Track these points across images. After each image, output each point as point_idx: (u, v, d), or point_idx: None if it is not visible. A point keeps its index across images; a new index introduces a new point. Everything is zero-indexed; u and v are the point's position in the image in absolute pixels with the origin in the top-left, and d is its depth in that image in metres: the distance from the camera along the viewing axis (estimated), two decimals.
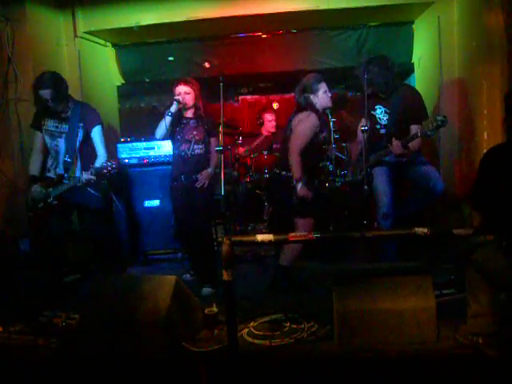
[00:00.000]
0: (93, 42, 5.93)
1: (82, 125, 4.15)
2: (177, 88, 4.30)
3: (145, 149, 5.52)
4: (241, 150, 6.16)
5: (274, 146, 5.82)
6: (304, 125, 3.99)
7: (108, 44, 6.30)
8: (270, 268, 4.76)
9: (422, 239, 2.52)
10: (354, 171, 4.59)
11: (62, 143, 4.16)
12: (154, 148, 5.51)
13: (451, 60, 5.09)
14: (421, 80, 5.89)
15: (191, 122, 4.37)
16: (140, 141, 5.56)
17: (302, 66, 6.18)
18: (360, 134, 4.31)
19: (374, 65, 4.15)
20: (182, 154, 4.33)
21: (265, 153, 5.67)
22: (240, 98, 7.72)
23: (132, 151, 5.53)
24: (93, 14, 5.53)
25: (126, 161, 5.50)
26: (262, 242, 2.62)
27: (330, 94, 4.10)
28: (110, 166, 3.89)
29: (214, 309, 3.25)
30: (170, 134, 4.35)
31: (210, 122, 4.42)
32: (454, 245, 4.06)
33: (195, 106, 4.36)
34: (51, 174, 4.21)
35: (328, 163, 5.71)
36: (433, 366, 2.62)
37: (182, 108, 4.31)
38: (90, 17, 5.54)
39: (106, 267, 4.37)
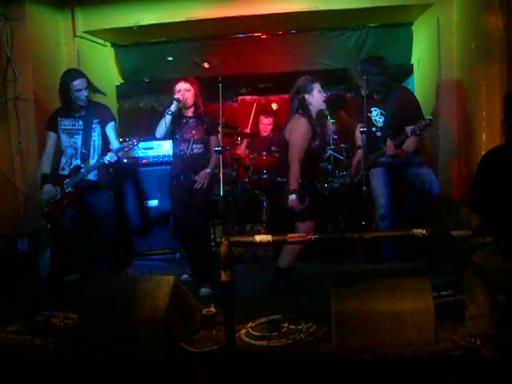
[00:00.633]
0: (92, 41, 5.93)
1: (97, 121, 4.27)
2: (177, 85, 4.30)
3: (144, 149, 5.52)
4: (241, 150, 6.17)
5: (273, 148, 5.81)
6: (296, 134, 3.98)
7: (107, 44, 6.30)
8: (268, 269, 4.76)
9: (420, 240, 2.52)
10: (352, 174, 4.59)
11: (79, 140, 4.24)
12: (152, 148, 5.51)
13: (450, 61, 5.10)
14: (420, 81, 5.90)
15: (190, 121, 4.36)
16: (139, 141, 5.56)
17: (301, 66, 6.17)
18: (358, 137, 4.33)
19: (370, 65, 4.15)
20: (181, 153, 4.33)
21: (264, 153, 5.66)
22: (239, 98, 7.71)
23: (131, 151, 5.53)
24: (92, 14, 5.53)
25: (125, 161, 5.50)
26: (261, 243, 2.62)
27: (324, 94, 4.11)
28: (131, 142, 4.12)
29: (212, 309, 3.25)
30: (170, 134, 4.35)
31: (210, 121, 4.41)
32: (452, 246, 4.07)
33: (195, 104, 4.35)
34: (65, 172, 4.25)
35: (326, 164, 5.72)
36: (431, 368, 2.62)
37: (182, 107, 4.30)
38: (90, 16, 5.54)
39: (106, 267, 4.38)
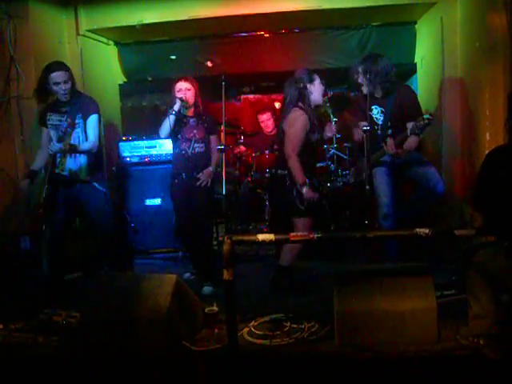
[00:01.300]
0: (95, 40, 5.93)
1: (80, 115, 4.13)
2: (177, 84, 4.30)
3: (146, 147, 5.53)
4: (242, 149, 6.16)
5: (275, 147, 5.80)
6: (295, 127, 3.93)
7: (110, 42, 6.30)
8: (270, 267, 4.75)
9: (423, 240, 2.51)
10: (355, 173, 4.58)
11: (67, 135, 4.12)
12: (155, 146, 5.52)
13: (454, 60, 5.08)
14: (423, 80, 5.88)
15: (191, 120, 4.37)
16: (142, 139, 5.57)
17: (304, 65, 6.04)
18: (356, 133, 4.37)
19: (369, 63, 4.12)
20: (183, 152, 4.34)
21: (266, 152, 5.66)
22: (242, 97, 7.71)
23: (134, 150, 5.54)
24: (95, 12, 5.53)
25: (128, 159, 5.51)
26: (263, 242, 2.62)
27: (323, 87, 4.12)
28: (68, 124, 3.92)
29: (215, 308, 3.24)
30: (171, 133, 4.35)
31: (210, 120, 4.42)
32: (456, 246, 4.06)
33: (195, 104, 4.36)
34: (58, 170, 4.14)
35: (329, 163, 5.71)
36: (433, 367, 2.62)
37: (183, 106, 4.31)
38: (93, 15, 5.54)
39: (108, 265, 4.37)
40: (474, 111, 4.74)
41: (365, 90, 4.10)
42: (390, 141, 4.01)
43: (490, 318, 2.73)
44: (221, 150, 4.04)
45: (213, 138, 4.42)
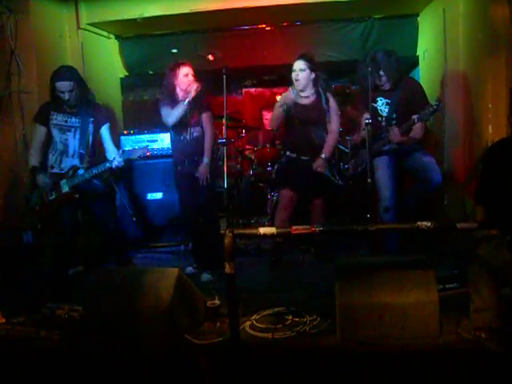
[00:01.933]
0: (96, 33, 5.92)
1: (91, 120, 4.13)
2: (182, 69, 4.31)
3: (148, 141, 5.52)
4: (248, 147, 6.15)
5: (277, 142, 5.78)
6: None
7: (111, 36, 6.29)
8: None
9: (425, 233, 2.50)
10: (355, 164, 4.57)
11: (71, 137, 4.11)
12: (157, 140, 5.52)
13: (456, 53, 5.06)
14: (425, 73, 5.86)
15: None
16: (143, 133, 5.57)
17: None
18: (356, 135, 4.47)
19: (383, 56, 4.16)
20: (182, 138, 4.38)
21: (268, 146, 5.65)
22: (243, 90, 7.68)
23: (135, 143, 5.53)
24: (96, 6, 5.52)
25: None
26: (265, 235, 2.61)
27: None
28: (142, 151, 3.99)
29: (217, 301, 3.25)
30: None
31: (199, 98, 4.33)
32: (458, 239, 4.06)
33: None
34: (56, 171, 4.11)
35: None
36: (435, 361, 2.62)
37: (175, 92, 4.34)
38: (94, 8, 5.53)
39: (110, 259, 4.38)
40: (477, 104, 4.72)
41: (373, 82, 4.10)
42: (394, 129, 4.04)
43: (492, 311, 2.73)
44: (223, 144, 4.03)
45: (205, 116, 4.39)
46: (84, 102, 4.10)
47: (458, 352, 2.68)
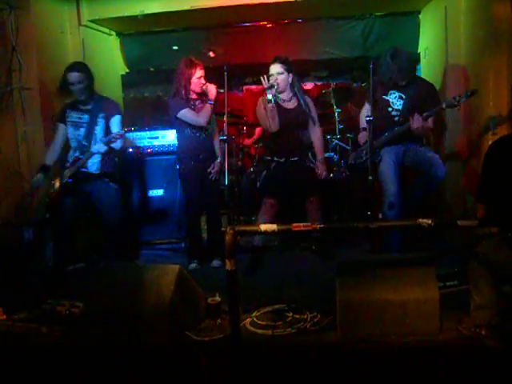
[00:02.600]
0: (97, 30, 5.91)
1: (103, 115, 4.31)
2: (199, 71, 4.44)
3: (149, 138, 5.52)
4: (247, 141, 6.15)
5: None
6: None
7: (112, 33, 6.28)
8: (273, 258, 4.77)
9: (426, 230, 2.50)
10: (355, 156, 4.57)
11: (82, 132, 4.30)
12: (158, 137, 5.51)
13: (457, 50, 5.04)
14: (427, 70, 5.85)
15: (197, 103, 4.52)
16: (144, 130, 5.56)
17: (307, 55, 6.15)
18: (362, 116, 4.48)
19: (402, 53, 4.22)
20: (198, 135, 4.52)
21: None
22: (244, 87, 7.67)
23: (136, 140, 5.53)
24: (97, 3, 5.51)
25: (130, 150, 5.50)
26: (266, 232, 2.62)
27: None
28: (117, 134, 4.13)
29: (217, 298, 3.25)
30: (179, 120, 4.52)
31: (204, 94, 4.52)
32: (459, 236, 4.06)
33: None
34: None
35: (332, 154, 5.70)
36: (435, 358, 2.63)
37: (189, 91, 4.47)
38: (95, 5, 5.52)
39: (113, 256, 4.40)
40: (478, 102, 4.71)
41: (390, 78, 4.23)
42: (416, 116, 4.07)
43: (492, 308, 2.73)
44: (224, 141, 4.04)
45: (213, 115, 4.60)
46: (94, 97, 4.32)
47: (458, 349, 2.69)
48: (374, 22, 5.96)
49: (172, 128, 4.86)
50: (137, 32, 6.31)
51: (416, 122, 4.07)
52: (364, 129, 4.37)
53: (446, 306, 2.90)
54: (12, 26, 4.72)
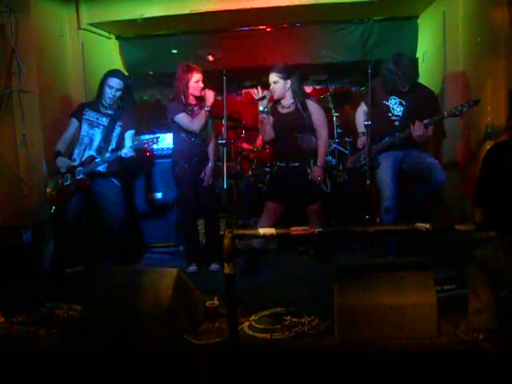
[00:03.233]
0: (96, 34, 5.92)
1: (120, 124, 4.49)
2: (196, 75, 4.48)
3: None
4: (245, 145, 6.15)
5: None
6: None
7: (112, 36, 6.29)
8: (271, 262, 4.78)
9: (423, 234, 2.51)
10: (353, 160, 4.59)
11: (98, 133, 4.44)
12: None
13: (456, 55, 5.06)
14: (425, 75, 5.85)
15: (195, 108, 4.54)
16: (142, 133, 5.55)
17: (305, 59, 6.15)
18: (360, 120, 4.52)
19: (405, 59, 4.25)
20: (193, 139, 4.55)
21: (267, 147, 5.65)
22: (243, 91, 7.69)
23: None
24: (97, 6, 5.52)
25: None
26: (264, 236, 2.62)
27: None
28: (150, 140, 4.37)
29: (215, 302, 3.25)
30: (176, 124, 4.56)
31: (203, 100, 4.55)
32: (456, 240, 4.07)
33: None
34: (76, 164, 4.40)
35: (330, 158, 5.71)
36: (433, 362, 2.63)
37: (187, 96, 4.50)
38: (94, 9, 5.53)
39: (113, 258, 4.41)
40: (476, 107, 4.73)
41: (393, 83, 4.25)
42: (418, 123, 4.09)
43: (490, 312, 2.74)
44: (223, 145, 4.06)
45: (210, 120, 4.62)
46: (118, 108, 4.48)
47: (456, 353, 2.69)
48: (372, 27, 5.97)
49: (170, 131, 4.86)
50: (136, 36, 6.32)
51: (417, 130, 4.08)
52: (363, 133, 4.39)
53: (444, 310, 2.91)
54: (12, 29, 4.72)
